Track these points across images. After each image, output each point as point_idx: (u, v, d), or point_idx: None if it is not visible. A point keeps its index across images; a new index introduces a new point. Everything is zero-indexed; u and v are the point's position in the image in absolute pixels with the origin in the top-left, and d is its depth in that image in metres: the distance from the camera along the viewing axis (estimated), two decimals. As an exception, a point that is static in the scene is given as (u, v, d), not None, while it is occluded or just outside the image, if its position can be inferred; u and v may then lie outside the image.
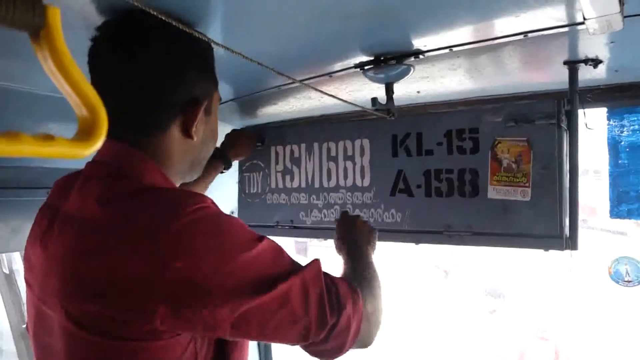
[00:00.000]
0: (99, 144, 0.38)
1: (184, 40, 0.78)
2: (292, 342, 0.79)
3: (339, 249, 1.20)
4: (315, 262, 0.83)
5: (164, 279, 0.67)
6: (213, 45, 0.84)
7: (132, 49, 0.79)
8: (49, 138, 0.35)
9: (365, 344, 0.89)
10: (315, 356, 0.86)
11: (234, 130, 1.72)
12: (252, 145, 1.79)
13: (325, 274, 0.84)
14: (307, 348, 0.82)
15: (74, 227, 0.76)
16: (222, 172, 1.57)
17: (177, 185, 0.89)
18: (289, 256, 0.81)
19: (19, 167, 1.37)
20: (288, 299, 0.75)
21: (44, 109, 1.21)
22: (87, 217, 0.75)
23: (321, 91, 1.02)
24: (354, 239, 1.19)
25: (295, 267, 0.79)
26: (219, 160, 1.54)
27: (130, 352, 0.70)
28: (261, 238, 0.77)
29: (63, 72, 0.37)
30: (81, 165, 0.84)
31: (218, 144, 1.47)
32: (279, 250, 0.80)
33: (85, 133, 0.38)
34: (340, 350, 0.84)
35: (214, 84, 0.90)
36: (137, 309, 0.68)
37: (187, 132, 0.83)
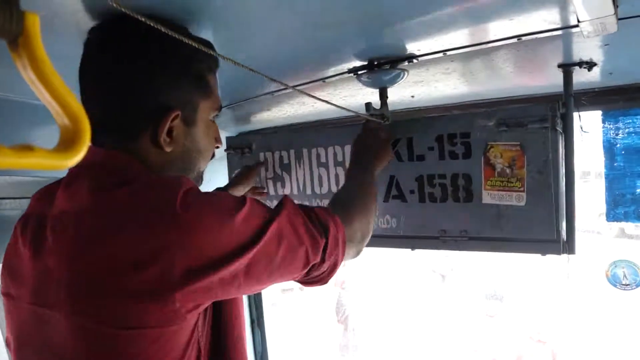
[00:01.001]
0: (81, 154, 0.37)
1: (157, 46, 0.78)
2: (298, 271, 0.85)
3: (351, 153, 1.31)
4: (287, 198, 0.88)
5: (175, 258, 0.69)
6: (205, 51, 0.83)
7: (104, 50, 0.79)
8: (27, 149, 0.33)
9: (355, 253, 1.03)
10: (314, 284, 0.94)
11: (245, 167, 1.69)
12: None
13: (301, 205, 0.90)
14: (308, 275, 0.89)
15: (69, 223, 0.75)
16: None
17: None
18: (265, 205, 0.85)
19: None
20: (282, 236, 0.81)
21: (24, 117, 1.19)
22: (82, 208, 0.75)
23: (314, 96, 1.01)
24: (365, 151, 1.26)
25: (275, 210, 0.84)
26: None
27: (143, 340, 0.71)
28: (244, 199, 0.80)
29: (43, 81, 0.35)
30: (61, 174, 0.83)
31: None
32: (259, 203, 0.84)
33: (67, 142, 0.36)
34: (335, 267, 0.93)
35: (200, 94, 0.85)
36: (153, 294, 0.69)
37: (156, 142, 0.80)
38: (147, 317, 0.70)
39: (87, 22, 0.80)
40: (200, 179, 0.94)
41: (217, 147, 0.95)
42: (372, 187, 1.17)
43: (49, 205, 0.80)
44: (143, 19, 0.60)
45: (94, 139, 0.83)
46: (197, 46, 0.69)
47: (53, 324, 0.75)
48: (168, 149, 0.81)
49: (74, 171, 0.81)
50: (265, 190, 1.68)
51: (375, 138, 1.27)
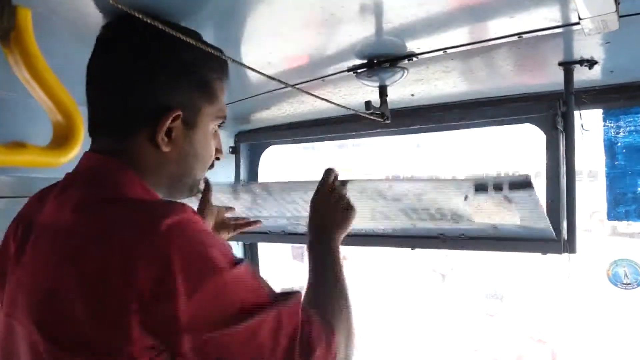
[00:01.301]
0: (75, 151, 0.36)
1: (160, 45, 0.77)
2: None
3: (308, 230, 1.10)
4: (296, 297, 0.78)
5: (135, 292, 0.64)
6: (215, 60, 0.82)
7: (107, 49, 0.78)
8: (20, 146, 0.33)
9: None
10: None
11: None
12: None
13: (304, 309, 0.78)
14: None
15: (48, 238, 0.74)
16: None
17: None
18: (266, 285, 0.76)
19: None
20: (257, 335, 0.70)
21: (17, 114, 1.18)
22: (61, 226, 0.73)
23: (313, 95, 1.00)
24: (324, 223, 1.08)
25: (271, 300, 0.74)
26: None
27: None
28: (239, 261, 0.73)
29: (35, 77, 0.34)
30: (60, 175, 0.82)
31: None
32: (255, 278, 0.75)
33: (60, 139, 0.36)
34: None
35: (204, 98, 0.84)
36: (111, 324, 0.65)
37: (154, 141, 0.78)
38: (106, 348, 0.66)
39: (85, 20, 0.80)
40: (195, 187, 0.91)
41: (218, 159, 0.92)
42: (340, 272, 0.99)
43: (39, 211, 0.79)
44: (148, 20, 0.59)
45: (94, 139, 0.82)
46: (206, 49, 0.68)
47: (18, 340, 0.74)
48: (165, 149, 0.79)
49: (69, 177, 0.79)
50: (253, 220, 1.39)
51: (330, 205, 1.11)
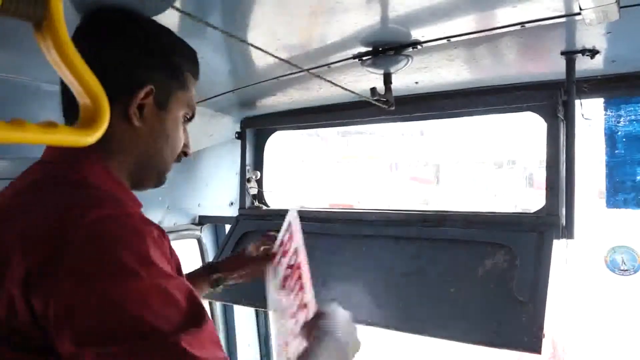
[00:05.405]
0: (101, 130, 0.39)
1: (138, 28, 0.83)
2: None
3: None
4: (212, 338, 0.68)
5: (34, 277, 0.62)
6: (187, 54, 0.88)
7: (86, 33, 0.82)
8: (52, 125, 0.36)
9: None
10: None
11: (243, 251, 1.34)
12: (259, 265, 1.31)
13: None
14: None
15: None
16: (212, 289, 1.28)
17: (129, 185, 0.86)
18: (184, 307, 0.66)
19: (16, 158, 1.37)
20: None
21: (46, 102, 1.22)
22: (3, 203, 0.75)
23: (324, 79, 1.02)
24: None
25: (181, 327, 0.64)
26: (206, 278, 1.27)
27: None
28: (155, 271, 0.65)
29: (66, 62, 0.37)
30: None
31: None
32: (170, 295, 0.66)
33: (87, 121, 0.39)
34: None
35: (176, 84, 0.87)
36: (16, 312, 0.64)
37: (127, 115, 0.81)
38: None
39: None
40: (162, 176, 0.92)
41: (185, 154, 0.94)
42: None
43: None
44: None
45: (68, 121, 0.83)
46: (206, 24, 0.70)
47: None
48: (137, 124, 0.82)
49: (33, 165, 0.81)
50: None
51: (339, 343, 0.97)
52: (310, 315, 1.02)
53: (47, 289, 0.62)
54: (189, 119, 0.93)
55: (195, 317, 0.66)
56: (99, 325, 0.61)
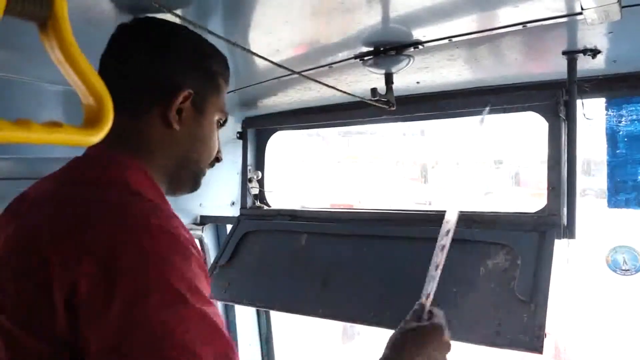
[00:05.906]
0: (105, 131, 0.39)
1: (180, 34, 0.85)
2: None
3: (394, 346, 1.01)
4: None
5: (70, 278, 0.62)
6: (212, 36, 0.87)
7: (131, 37, 0.84)
8: (56, 125, 0.36)
9: None
10: None
11: None
12: None
13: None
14: None
15: (25, 208, 0.76)
16: None
17: (164, 190, 0.86)
18: (226, 343, 0.67)
19: (17, 158, 1.38)
20: None
21: (47, 102, 1.23)
22: (41, 196, 0.76)
23: (319, 82, 1.03)
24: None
25: (222, 355, 0.65)
26: None
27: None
28: (198, 298, 0.66)
29: (70, 61, 0.37)
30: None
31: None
32: (212, 327, 0.66)
33: (91, 121, 0.39)
34: None
35: (212, 89, 0.89)
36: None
37: (166, 119, 0.82)
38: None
39: (99, 8, 0.83)
40: (198, 179, 0.93)
41: (218, 160, 0.95)
42: None
43: (35, 186, 0.82)
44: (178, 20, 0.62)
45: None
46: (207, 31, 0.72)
47: None
48: (176, 127, 0.83)
49: (73, 161, 0.82)
50: None
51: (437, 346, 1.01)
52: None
53: (96, 307, 0.61)
54: (222, 124, 0.94)
55: (232, 346, 0.68)
56: (147, 350, 0.61)
